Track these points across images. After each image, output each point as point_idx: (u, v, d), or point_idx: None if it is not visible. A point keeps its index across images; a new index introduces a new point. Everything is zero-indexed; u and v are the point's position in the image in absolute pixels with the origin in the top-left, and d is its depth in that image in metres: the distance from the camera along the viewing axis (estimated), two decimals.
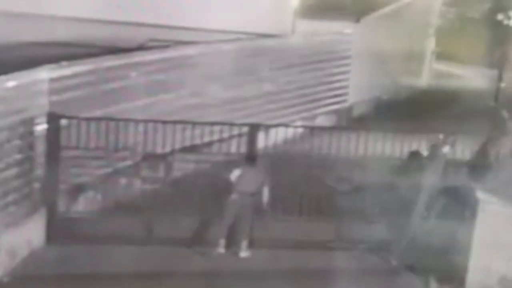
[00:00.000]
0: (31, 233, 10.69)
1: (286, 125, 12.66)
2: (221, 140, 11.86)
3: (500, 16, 15.83)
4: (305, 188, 11.45)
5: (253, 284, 10.35)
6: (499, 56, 15.31)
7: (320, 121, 14.58)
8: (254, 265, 10.83)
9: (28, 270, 10.34)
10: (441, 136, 11.84)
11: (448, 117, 13.01)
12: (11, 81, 10.16)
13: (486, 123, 12.95)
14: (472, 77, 15.81)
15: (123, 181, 11.55)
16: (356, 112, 15.41)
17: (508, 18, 15.67)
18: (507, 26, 15.71)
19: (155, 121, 11.41)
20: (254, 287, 10.34)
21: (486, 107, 14.42)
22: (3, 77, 10.08)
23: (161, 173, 11.64)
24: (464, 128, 12.28)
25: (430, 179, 11.79)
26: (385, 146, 11.67)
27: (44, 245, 10.92)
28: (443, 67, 16.44)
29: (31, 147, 10.71)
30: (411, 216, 11.39)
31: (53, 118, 10.83)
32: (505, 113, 13.36)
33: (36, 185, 10.84)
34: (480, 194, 10.16)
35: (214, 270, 10.65)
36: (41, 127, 10.79)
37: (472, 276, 10.11)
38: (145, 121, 11.36)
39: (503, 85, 15.08)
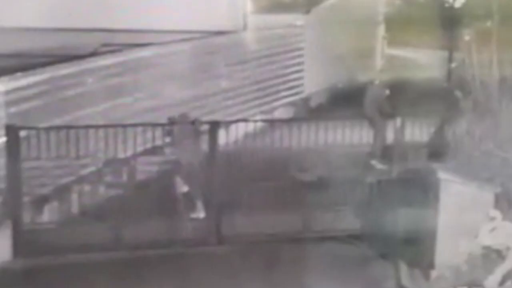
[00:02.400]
0: None
1: (245, 120, 12.74)
2: None
3: None
4: (269, 181, 11.54)
5: (225, 281, 10.40)
6: (448, 37, 15.48)
7: (279, 113, 14.66)
8: (225, 262, 10.85)
9: None
10: None
11: (403, 100, 13.14)
12: None
13: (440, 104, 13.12)
14: (423, 60, 15.97)
15: (87, 188, 11.52)
16: (313, 102, 15.52)
17: None
18: (452, 7, 15.90)
19: (115, 126, 11.36)
20: (226, 284, 10.42)
21: (439, 88, 14.59)
22: None
23: (125, 177, 11.66)
24: (419, 110, 12.47)
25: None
26: (345, 134, 11.84)
27: (11, 259, 10.75)
28: (394, 52, 16.59)
29: None
30: (376, 202, 11.54)
31: (11, 130, 10.71)
32: (458, 93, 13.54)
33: None
34: (442, 174, 10.28)
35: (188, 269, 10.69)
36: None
37: (440, 257, 10.21)
38: (105, 126, 11.32)
39: (453, 65, 15.24)
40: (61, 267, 10.49)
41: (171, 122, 11.70)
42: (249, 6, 15.19)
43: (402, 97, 13.32)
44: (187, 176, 11.55)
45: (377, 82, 13.61)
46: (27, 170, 10.86)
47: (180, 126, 11.71)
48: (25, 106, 10.98)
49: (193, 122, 11.81)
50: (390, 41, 16.65)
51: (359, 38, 15.91)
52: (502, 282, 9.90)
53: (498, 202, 10.08)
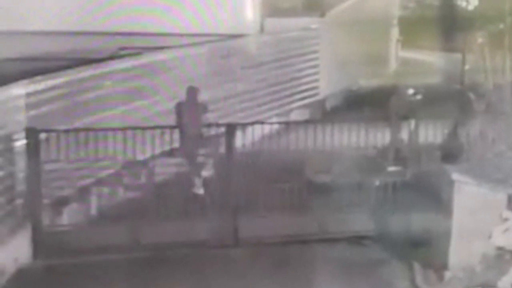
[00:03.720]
0: (17, 250, 10.66)
1: (262, 122, 12.85)
2: None
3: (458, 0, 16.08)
4: (285, 183, 11.63)
5: (241, 281, 10.52)
6: (461, 40, 15.55)
7: (295, 116, 14.73)
8: (240, 263, 10.97)
9: (17, 287, 10.42)
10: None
11: (417, 102, 13.23)
12: None
13: (454, 106, 13.20)
14: (437, 62, 16.04)
15: (106, 190, 11.63)
16: (329, 105, 15.59)
17: (467, 0, 15.93)
18: (466, 9, 15.96)
19: (133, 128, 11.50)
20: (241, 284, 10.54)
21: (453, 90, 14.66)
22: None
23: (143, 179, 11.76)
24: (433, 112, 12.56)
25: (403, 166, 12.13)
26: (360, 136, 11.95)
27: (31, 260, 10.88)
28: (408, 54, 16.68)
29: (11, 163, 10.72)
30: (391, 204, 11.62)
31: (31, 133, 10.84)
32: (471, 95, 13.61)
33: (19, 201, 10.84)
34: (455, 176, 10.33)
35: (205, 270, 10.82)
36: (20, 142, 10.79)
37: (454, 258, 10.29)
38: (123, 129, 11.45)
39: (467, 67, 15.31)
40: (81, 268, 10.59)
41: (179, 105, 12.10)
42: (265, 10, 15.30)
43: (416, 99, 13.41)
44: (188, 150, 11.82)
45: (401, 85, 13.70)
46: (47, 172, 10.98)
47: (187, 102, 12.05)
48: (45, 109, 11.09)
49: (209, 125, 12.10)
50: (404, 44, 16.75)
51: (373, 41, 15.98)
52: None
53: (511, 203, 10.14)
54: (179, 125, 12.06)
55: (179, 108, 12.11)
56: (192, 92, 12.18)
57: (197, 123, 12.05)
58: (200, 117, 12.05)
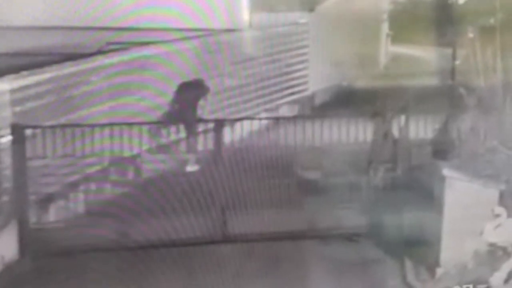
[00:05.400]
0: (3, 248, 10.59)
1: (250, 118, 12.82)
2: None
3: None
4: (274, 179, 11.60)
5: (230, 279, 10.47)
6: (452, 34, 15.53)
7: (283, 111, 14.71)
8: (229, 260, 10.96)
9: (4, 285, 10.36)
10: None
11: (408, 97, 13.21)
12: None
13: (445, 101, 13.18)
14: (427, 57, 16.02)
15: (93, 187, 11.57)
16: (318, 100, 15.56)
17: None
18: (456, 4, 15.93)
19: (120, 124, 11.43)
20: (231, 282, 10.47)
21: (443, 85, 14.65)
22: None
23: (130, 176, 11.72)
24: (424, 107, 12.53)
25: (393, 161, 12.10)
26: (350, 132, 11.91)
27: (18, 258, 10.81)
28: (398, 49, 16.64)
29: None
30: (381, 200, 11.60)
31: (17, 129, 10.78)
32: (462, 90, 13.60)
33: (5, 198, 10.77)
34: (446, 171, 10.34)
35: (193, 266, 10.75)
36: (5, 139, 10.73)
37: (446, 255, 10.30)
38: (110, 125, 11.38)
39: (457, 62, 15.29)
40: (67, 266, 10.55)
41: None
42: (253, 4, 15.25)
43: (405, 94, 13.39)
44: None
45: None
46: (33, 169, 10.91)
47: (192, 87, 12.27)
48: (30, 104, 11.01)
49: (199, 120, 12.01)
50: (393, 38, 16.71)
51: (363, 35, 15.95)
52: (508, 279, 9.97)
53: (503, 199, 10.15)
54: (173, 106, 12.06)
55: (181, 88, 12.12)
56: (199, 82, 12.29)
57: (191, 108, 12.08)
58: (196, 108, 12.08)
